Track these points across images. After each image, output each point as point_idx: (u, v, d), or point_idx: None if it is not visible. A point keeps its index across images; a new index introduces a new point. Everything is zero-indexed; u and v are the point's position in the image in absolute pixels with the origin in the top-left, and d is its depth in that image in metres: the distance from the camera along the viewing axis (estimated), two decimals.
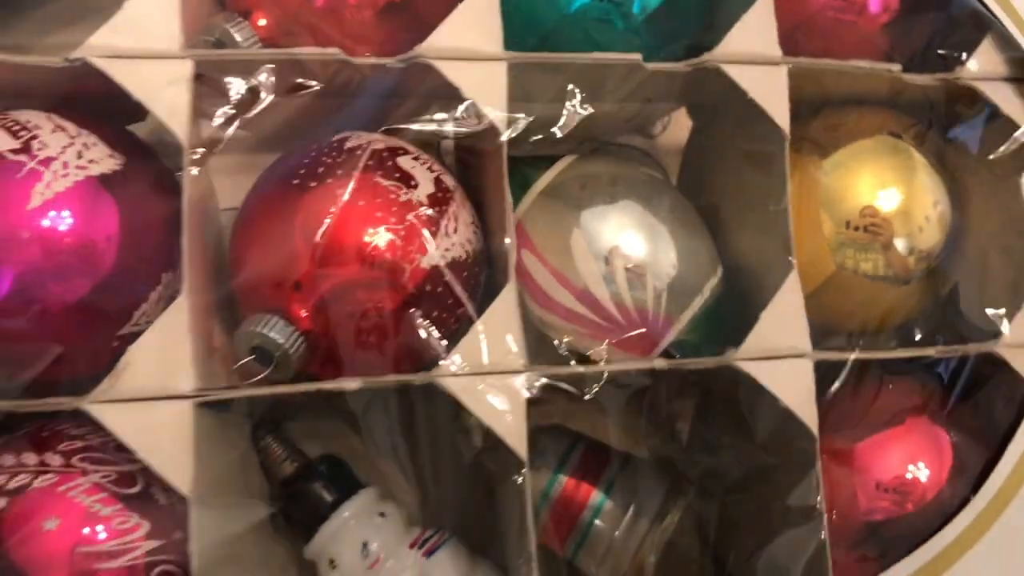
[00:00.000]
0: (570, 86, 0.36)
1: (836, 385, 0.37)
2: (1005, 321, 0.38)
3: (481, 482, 0.38)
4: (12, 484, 0.31)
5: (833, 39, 0.42)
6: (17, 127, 0.33)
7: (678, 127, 0.48)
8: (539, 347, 0.39)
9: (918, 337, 0.40)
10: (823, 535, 0.35)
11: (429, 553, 0.38)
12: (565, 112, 0.36)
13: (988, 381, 0.38)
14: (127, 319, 0.34)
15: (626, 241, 0.39)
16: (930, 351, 0.38)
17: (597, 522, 0.40)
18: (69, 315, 0.33)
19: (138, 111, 0.36)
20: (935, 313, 0.40)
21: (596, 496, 0.40)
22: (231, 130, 0.33)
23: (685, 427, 0.42)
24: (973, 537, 0.36)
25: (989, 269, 0.40)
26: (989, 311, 0.38)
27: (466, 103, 0.34)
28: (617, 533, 0.39)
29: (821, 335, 0.38)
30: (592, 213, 0.39)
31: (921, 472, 0.40)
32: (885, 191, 0.40)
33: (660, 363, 0.36)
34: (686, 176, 0.46)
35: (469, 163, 0.39)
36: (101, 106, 0.35)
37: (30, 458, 0.32)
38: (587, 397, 0.34)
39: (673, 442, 0.42)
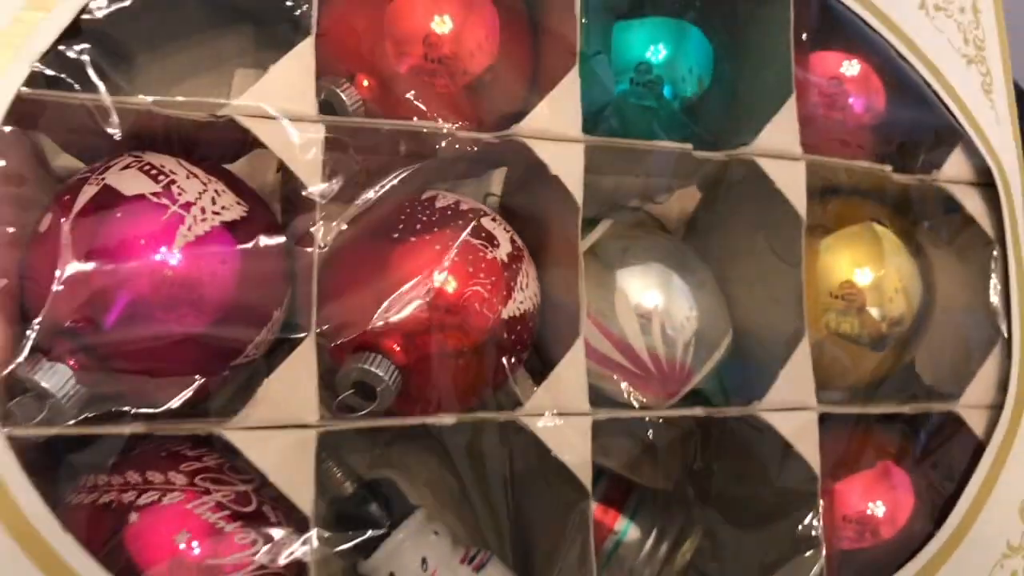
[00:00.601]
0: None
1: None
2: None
3: (525, 509, 0.43)
4: (142, 500, 0.34)
5: (824, 134, 0.49)
6: (155, 171, 0.36)
7: (679, 195, 0.54)
8: None
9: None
10: (822, 562, 0.42)
11: (478, 568, 0.43)
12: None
13: (949, 435, 0.46)
14: (241, 351, 0.37)
15: (661, 300, 0.45)
16: (905, 408, 0.45)
17: (621, 547, 0.45)
18: (192, 345, 0.36)
19: (229, 155, 0.40)
20: (907, 377, 0.48)
21: (621, 522, 0.46)
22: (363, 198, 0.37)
23: (700, 464, 0.48)
24: (934, 568, 0.44)
25: (953, 340, 0.48)
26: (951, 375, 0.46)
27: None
28: (640, 556, 0.45)
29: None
30: (631, 273, 0.45)
31: (878, 509, 0.48)
32: (861, 269, 0.48)
33: (699, 411, 0.42)
34: (691, 241, 0.52)
35: (525, 220, 0.44)
36: (199, 148, 0.38)
37: (156, 476, 0.35)
38: (650, 436, 0.40)
39: (690, 477, 0.48)
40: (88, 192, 0.35)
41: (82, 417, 0.33)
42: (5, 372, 0.33)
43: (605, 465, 0.47)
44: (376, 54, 0.41)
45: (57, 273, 0.34)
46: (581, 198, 0.40)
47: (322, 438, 0.36)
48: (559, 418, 0.38)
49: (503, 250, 0.40)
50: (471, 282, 0.39)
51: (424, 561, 0.42)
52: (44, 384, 0.34)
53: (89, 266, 0.34)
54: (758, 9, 0.46)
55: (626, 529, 0.45)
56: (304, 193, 0.36)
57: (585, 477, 0.38)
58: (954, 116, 0.48)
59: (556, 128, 0.40)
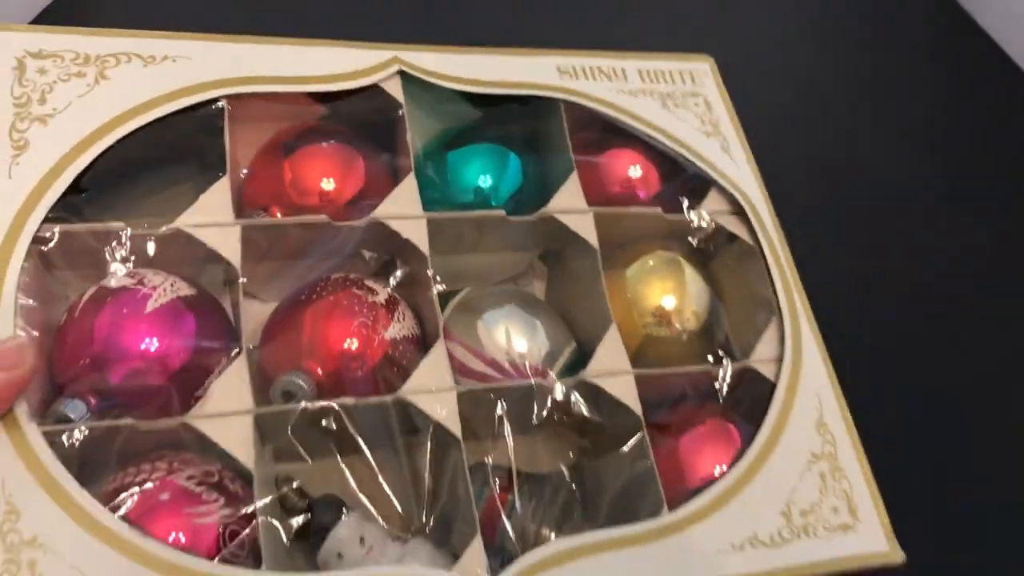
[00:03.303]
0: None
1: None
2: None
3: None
4: (138, 479, 0.49)
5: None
6: (132, 272, 0.54)
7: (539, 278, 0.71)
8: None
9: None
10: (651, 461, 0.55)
11: (404, 543, 0.56)
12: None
13: (749, 384, 0.61)
14: (201, 384, 0.53)
15: (513, 327, 0.61)
16: (709, 367, 0.60)
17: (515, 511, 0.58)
18: (171, 382, 0.52)
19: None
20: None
21: (512, 498, 0.59)
22: None
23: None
24: (753, 472, 0.56)
25: (738, 316, 0.64)
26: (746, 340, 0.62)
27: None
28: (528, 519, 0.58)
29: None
30: (491, 314, 0.62)
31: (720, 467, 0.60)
32: (667, 297, 0.64)
33: (540, 380, 0.57)
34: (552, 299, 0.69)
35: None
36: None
37: (147, 466, 0.50)
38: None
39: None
40: (90, 291, 0.54)
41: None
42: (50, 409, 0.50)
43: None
44: (280, 193, 0.61)
45: (73, 343, 0.52)
46: (428, 250, 0.58)
47: (258, 422, 0.51)
48: (431, 393, 0.54)
49: (382, 296, 0.58)
50: (357, 318, 0.56)
51: (362, 539, 0.55)
52: (69, 414, 0.50)
53: (91, 334, 0.52)
54: (544, 128, 0.67)
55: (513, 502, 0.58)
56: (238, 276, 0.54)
57: (454, 427, 0.53)
58: (703, 171, 0.67)
59: (402, 210, 0.59)
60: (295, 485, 0.57)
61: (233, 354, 0.53)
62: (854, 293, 0.84)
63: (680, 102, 0.69)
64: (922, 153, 0.97)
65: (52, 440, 0.47)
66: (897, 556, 0.56)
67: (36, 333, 0.50)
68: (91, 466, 0.50)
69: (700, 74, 0.71)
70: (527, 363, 0.59)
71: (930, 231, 0.91)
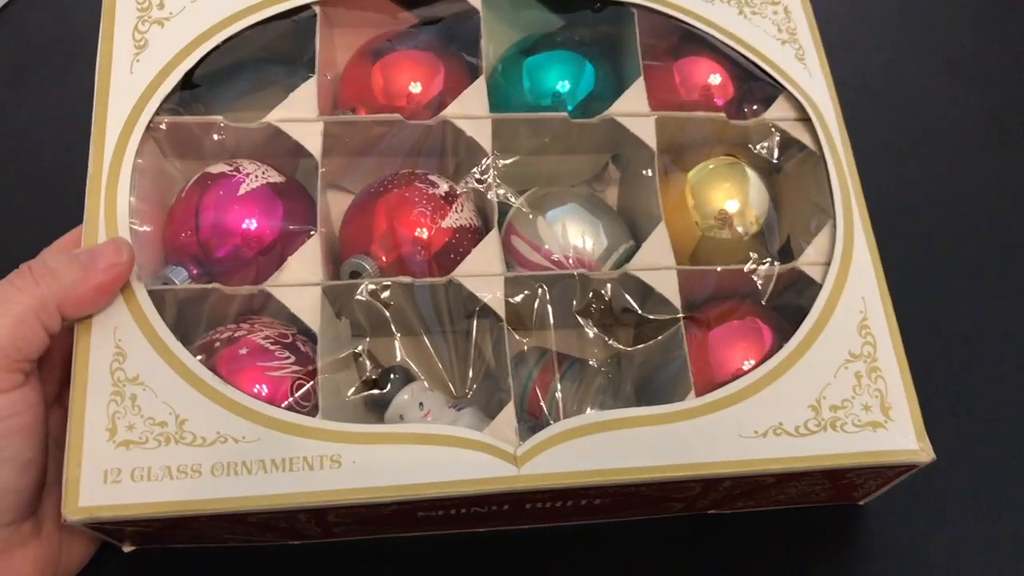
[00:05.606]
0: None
1: None
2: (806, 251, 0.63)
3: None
4: (224, 335, 0.58)
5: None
6: (231, 161, 0.62)
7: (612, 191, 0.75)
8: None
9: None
10: (685, 352, 0.58)
11: (459, 409, 0.62)
12: None
13: (796, 285, 0.63)
14: (283, 260, 0.61)
15: (573, 223, 0.65)
16: (752, 266, 0.63)
17: (557, 395, 0.63)
18: (260, 255, 0.60)
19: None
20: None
21: (555, 380, 0.64)
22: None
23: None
24: (791, 363, 0.59)
25: (795, 223, 0.65)
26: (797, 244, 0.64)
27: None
28: (570, 398, 0.63)
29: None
30: (553, 212, 0.66)
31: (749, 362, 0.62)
32: (730, 200, 0.66)
33: (580, 271, 0.61)
34: (620, 201, 0.73)
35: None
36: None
37: (232, 326, 0.59)
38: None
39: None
40: (194, 178, 0.62)
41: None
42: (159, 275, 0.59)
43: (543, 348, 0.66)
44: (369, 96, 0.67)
45: (179, 219, 0.61)
46: (490, 148, 0.63)
47: (326, 293, 0.58)
48: (480, 277, 0.59)
49: (442, 189, 0.63)
50: (418, 207, 0.62)
51: (421, 405, 0.62)
52: (173, 278, 0.59)
53: (194, 213, 0.60)
54: (617, 34, 0.70)
55: (557, 384, 0.63)
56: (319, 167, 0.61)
57: (500, 311, 0.58)
58: (773, 78, 0.67)
59: (469, 111, 0.64)
60: (367, 351, 0.65)
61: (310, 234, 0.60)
62: (917, 211, 0.85)
63: (758, 9, 0.70)
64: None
65: (156, 299, 0.56)
66: (927, 455, 0.57)
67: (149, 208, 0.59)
68: (186, 324, 0.59)
69: None
70: (583, 258, 0.64)
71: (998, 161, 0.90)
